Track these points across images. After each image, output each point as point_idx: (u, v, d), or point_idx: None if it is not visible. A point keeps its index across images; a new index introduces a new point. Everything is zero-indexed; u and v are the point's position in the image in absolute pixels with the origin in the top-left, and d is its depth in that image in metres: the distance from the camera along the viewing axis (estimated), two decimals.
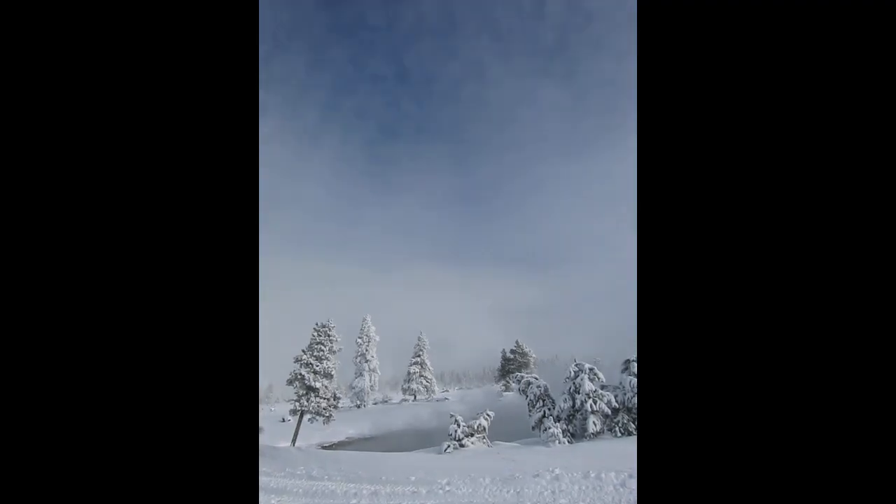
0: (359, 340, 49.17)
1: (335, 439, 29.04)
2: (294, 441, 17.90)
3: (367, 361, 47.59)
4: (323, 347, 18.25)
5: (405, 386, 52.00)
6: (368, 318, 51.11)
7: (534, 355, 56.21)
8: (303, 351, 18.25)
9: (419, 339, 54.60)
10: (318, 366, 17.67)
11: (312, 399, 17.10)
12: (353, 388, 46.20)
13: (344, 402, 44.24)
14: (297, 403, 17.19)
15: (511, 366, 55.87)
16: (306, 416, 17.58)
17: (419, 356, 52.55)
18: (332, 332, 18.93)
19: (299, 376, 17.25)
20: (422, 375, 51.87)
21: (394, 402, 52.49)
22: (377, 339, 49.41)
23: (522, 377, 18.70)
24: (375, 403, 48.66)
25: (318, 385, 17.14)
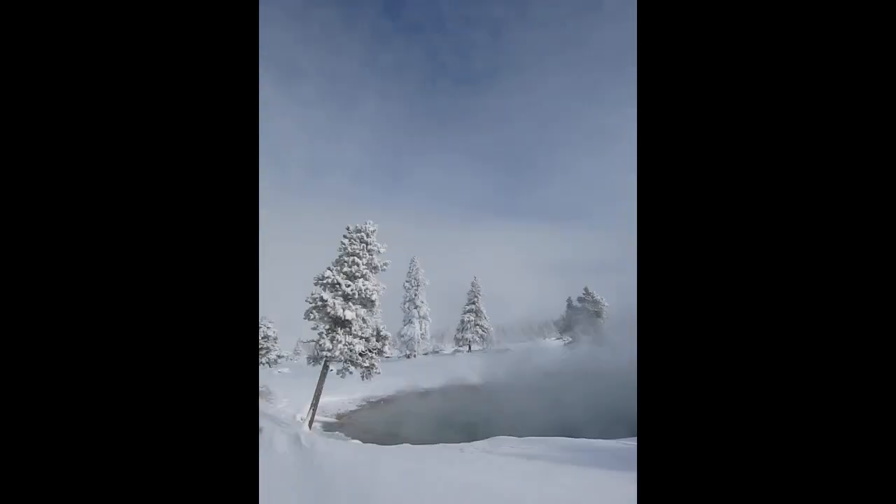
0: (406, 285, 43.61)
1: (382, 393, 23.32)
2: (311, 417, 11.29)
3: (416, 308, 42.07)
4: (358, 260, 11.24)
5: (458, 335, 46.48)
6: (416, 261, 44.97)
7: (606, 304, 47.79)
8: (329, 267, 11.41)
9: (473, 285, 48.10)
10: (350, 286, 10.79)
11: (340, 338, 10.30)
12: (402, 336, 40.99)
13: (392, 352, 39.78)
14: (317, 346, 10.47)
15: (578, 315, 48.30)
16: (332, 368, 10.98)
17: (474, 303, 46.36)
18: (372, 239, 11.83)
19: (320, 303, 10.45)
20: (477, 324, 45.91)
21: (446, 352, 47.49)
22: (427, 283, 43.32)
23: None
24: (426, 354, 43.52)
25: (349, 316, 10.31)
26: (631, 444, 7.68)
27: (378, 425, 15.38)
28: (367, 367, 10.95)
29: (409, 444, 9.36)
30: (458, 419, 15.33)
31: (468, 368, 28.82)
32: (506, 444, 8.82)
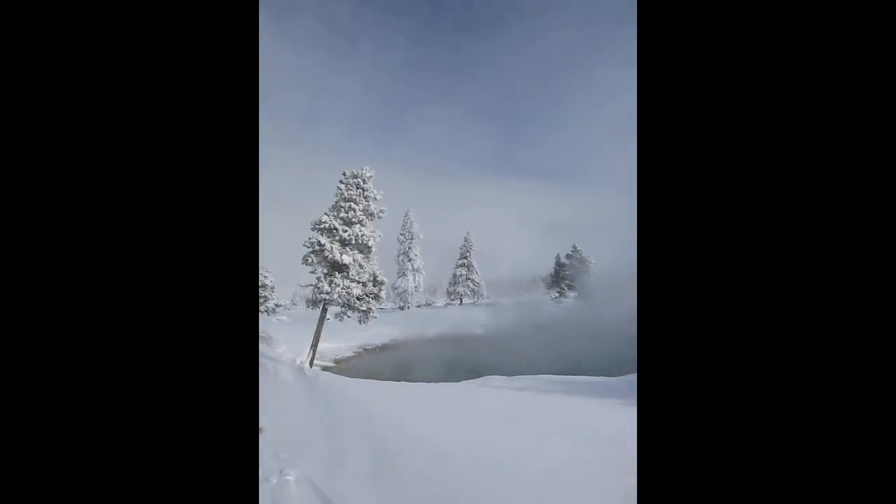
0: (400, 237, 43.76)
1: (378, 341, 24.18)
2: (312, 357, 11.81)
3: (410, 260, 42.48)
4: (355, 206, 11.33)
5: (450, 289, 47.52)
6: (410, 213, 44.87)
7: (594, 261, 48.76)
8: (326, 213, 11.47)
9: (465, 240, 48.50)
10: (346, 232, 10.96)
11: (338, 282, 10.61)
12: (396, 288, 41.72)
13: (385, 304, 40.62)
14: (315, 290, 10.77)
15: (566, 271, 49.49)
16: (331, 312, 11.36)
17: (465, 258, 47.00)
18: (368, 185, 11.85)
19: (318, 247, 10.64)
20: (469, 278, 46.81)
21: (438, 305, 48.69)
22: (420, 236, 43.48)
23: None
24: (419, 306, 44.52)
25: (346, 260, 10.55)
26: (622, 379, 8.21)
27: (384, 370, 16.00)
28: (364, 312, 11.36)
29: (406, 382, 9.94)
30: (464, 366, 16.00)
31: (461, 319, 29.76)
32: (497, 380, 9.42)
